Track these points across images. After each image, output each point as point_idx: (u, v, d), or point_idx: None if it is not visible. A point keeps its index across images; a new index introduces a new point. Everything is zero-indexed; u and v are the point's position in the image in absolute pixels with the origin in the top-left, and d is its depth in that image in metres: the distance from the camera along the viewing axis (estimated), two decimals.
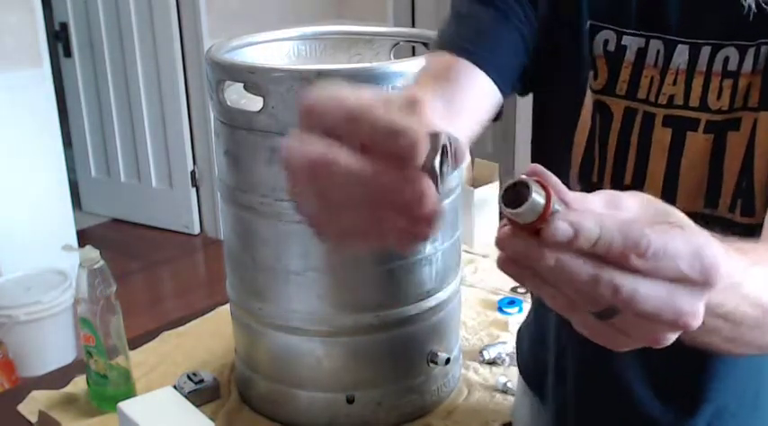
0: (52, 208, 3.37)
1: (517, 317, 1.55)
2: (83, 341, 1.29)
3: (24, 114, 3.21)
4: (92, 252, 1.24)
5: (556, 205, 0.44)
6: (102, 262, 1.25)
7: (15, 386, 2.62)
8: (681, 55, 0.76)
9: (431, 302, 1.24)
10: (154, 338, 1.52)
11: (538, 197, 0.45)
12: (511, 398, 1.30)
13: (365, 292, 1.19)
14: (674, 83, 0.77)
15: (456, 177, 1.26)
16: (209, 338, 1.50)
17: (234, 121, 1.16)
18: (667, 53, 0.77)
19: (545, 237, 0.43)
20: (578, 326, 0.46)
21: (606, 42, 0.80)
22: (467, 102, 0.75)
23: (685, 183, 0.78)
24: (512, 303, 1.59)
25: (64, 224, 3.43)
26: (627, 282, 0.42)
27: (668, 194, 0.78)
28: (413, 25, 4.15)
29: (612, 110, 0.81)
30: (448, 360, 1.25)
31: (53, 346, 2.93)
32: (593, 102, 0.81)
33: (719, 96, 0.75)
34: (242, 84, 1.19)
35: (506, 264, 0.45)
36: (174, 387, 1.24)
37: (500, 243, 0.45)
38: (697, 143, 0.76)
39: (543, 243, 0.43)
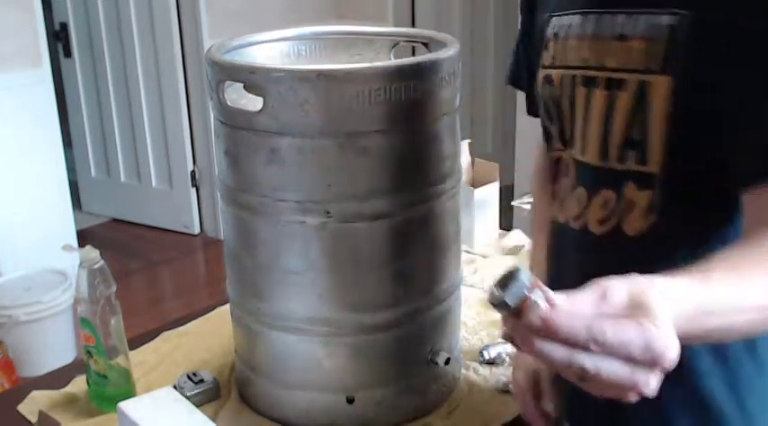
0: (52, 208, 3.37)
1: None
2: (83, 341, 1.29)
3: (24, 114, 3.21)
4: (92, 253, 1.24)
5: (538, 299, 0.58)
6: (102, 262, 1.25)
7: (15, 386, 2.63)
8: (590, 23, 0.89)
9: (431, 302, 1.24)
10: (154, 338, 1.52)
11: (524, 287, 0.58)
12: (511, 398, 1.30)
13: (365, 292, 1.19)
14: (587, 47, 0.89)
15: (456, 177, 1.26)
16: (209, 338, 1.50)
17: (234, 121, 1.16)
18: (583, 24, 0.90)
19: (523, 320, 0.57)
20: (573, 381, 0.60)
21: (553, 26, 0.95)
22: None
23: (590, 137, 0.90)
24: None
25: (64, 224, 3.43)
26: (590, 365, 0.57)
27: (583, 147, 0.91)
28: (413, 25, 4.15)
29: (554, 78, 0.94)
30: (448, 360, 1.26)
31: (53, 346, 2.93)
32: (543, 77, 0.97)
33: (613, 56, 0.86)
34: (242, 84, 1.19)
35: (506, 339, 0.60)
36: (174, 387, 1.24)
37: (502, 321, 0.59)
38: (599, 99, 0.88)
39: (521, 324, 0.58)
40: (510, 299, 0.58)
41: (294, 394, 1.25)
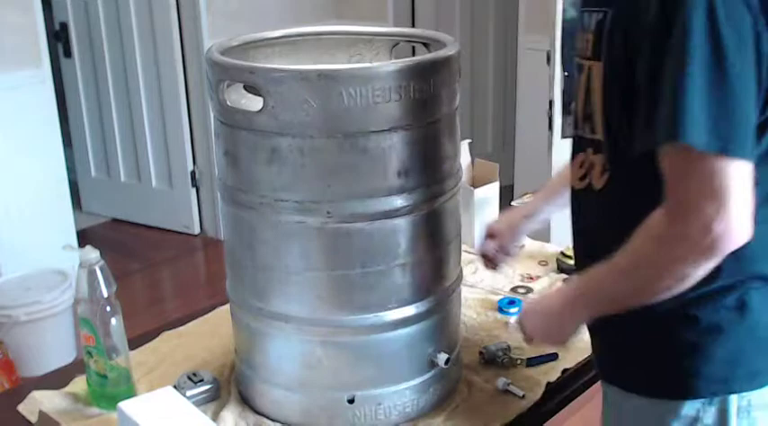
0: (52, 208, 3.37)
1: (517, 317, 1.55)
2: (83, 341, 1.29)
3: (24, 114, 3.20)
4: (92, 253, 1.24)
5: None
6: (102, 262, 1.25)
7: (15, 385, 2.62)
8: (579, 21, 1.08)
9: (431, 302, 1.24)
10: (154, 338, 1.52)
11: None
12: (511, 398, 1.31)
13: (365, 292, 1.19)
14: (579, 39, 1.08)
15: (456, 177, 1.26)
16: (209, 338, 1.50)
17: (234, 121, 1.16)
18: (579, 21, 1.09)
19: None
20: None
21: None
22: None
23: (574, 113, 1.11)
24: (512, 303, 1.59)
25: (64, 224, 3.42)
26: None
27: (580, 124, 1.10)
28: (413, 25, 4.15)
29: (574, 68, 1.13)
30: (448, 360, 1.26)
31: (53, 346, 2.93)
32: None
33: (581, 47, 1.06)
34: (242, 84, 1.19)
35: None
36: (174, 387, 1.24)
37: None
38: (577, 83, 1.08)
39: None
40: None
41: (294, 394, 1.25)
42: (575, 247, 1.18)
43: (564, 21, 2.64)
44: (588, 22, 1.03)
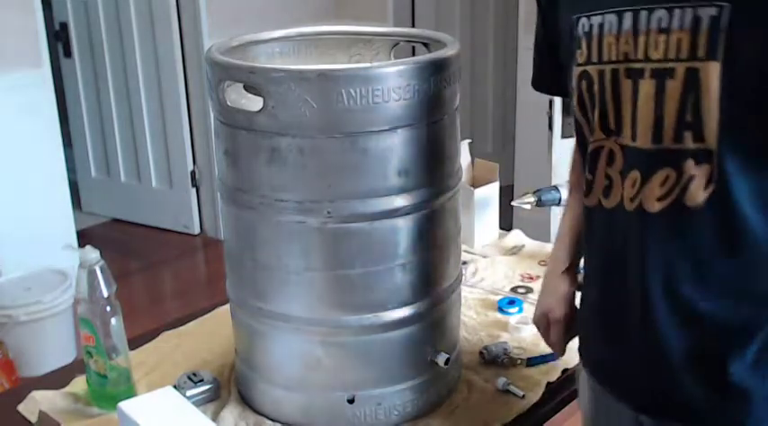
0: (52, 208, 3.37)
1: (517, 317, 1.55)
2: (83, 341, 1.29)
3: (24, 114, 3.21)
4: (92, 253, 1.24)
5: None
6: (102, 262, 1.25)
7: (15, 386, 2.62)
8: (627, 20, 0.96)
9: (431, 302, 1.24)
10: (154, 338, 1.52)
11: None
12: (511, 398, 1.31)
13: (365, 292, 1.19)
14: (627, 42, 0.96)
15: (456, 177, 1.26)
16: (209, 338, 1.50)
17: (234, 121, 1.16)
18: (620, 21, 0.97)
19: None
20: None
21: (583, 26, 1.01)
22: None
23: (641, 123, 0.96)
24: (512, 303, 1.59)
25: (64, 224, 3.42)
26: None
27: (633, 133, 0.97)
28: (413, 25, 4.15)
29: (591, 73, 1.01)
30: (448, 360, 1.26)
31: (53, 346, 2.93)
32: (580, 73, 1.03)
33: (656, 48, 0.94)
34: (242, 84, 1.19)
35: None
36: (174, 387, 1.24)
37: None
38: (645, 87, 0.95)
39: None
40: None
41: (294, 394, 1.25)
42: (615, 283, 1.03)
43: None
44: (675, 19, 0.92)
